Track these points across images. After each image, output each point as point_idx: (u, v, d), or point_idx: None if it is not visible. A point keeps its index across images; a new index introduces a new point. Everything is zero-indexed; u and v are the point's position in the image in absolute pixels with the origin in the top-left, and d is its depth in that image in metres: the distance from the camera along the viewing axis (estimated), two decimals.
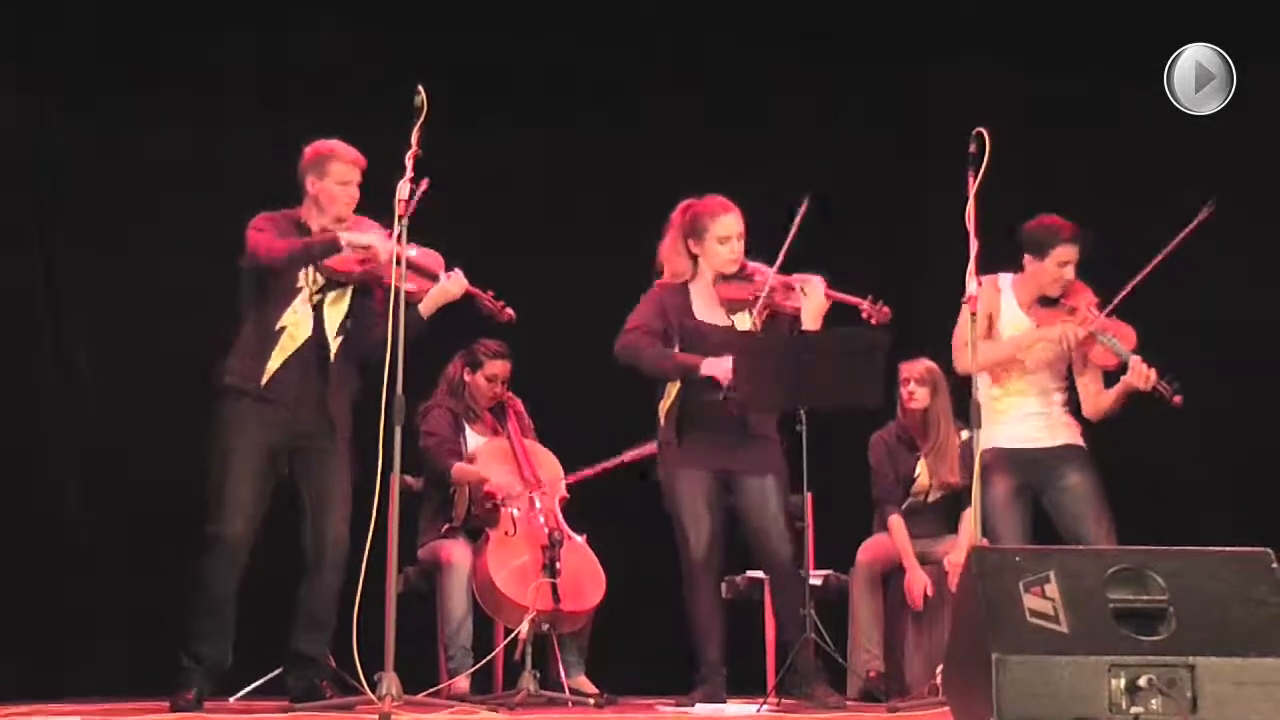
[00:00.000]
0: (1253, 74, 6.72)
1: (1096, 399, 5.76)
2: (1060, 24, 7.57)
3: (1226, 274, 7.12)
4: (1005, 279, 5.76)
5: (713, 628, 5.67)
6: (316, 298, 5.43)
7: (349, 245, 5.34)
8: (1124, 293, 5.58)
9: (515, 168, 7.57)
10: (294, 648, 5.44)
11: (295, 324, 5.39)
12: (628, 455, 6.63)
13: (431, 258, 5.44)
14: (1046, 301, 5.71)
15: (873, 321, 5.65)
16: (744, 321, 5.77)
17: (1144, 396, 5.59)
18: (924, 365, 6.63)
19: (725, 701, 5.62)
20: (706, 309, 5.78)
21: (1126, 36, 7.40)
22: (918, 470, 6.67)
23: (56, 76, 7.04)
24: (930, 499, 6.67)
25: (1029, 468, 5.65)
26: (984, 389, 5.63)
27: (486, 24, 7.53)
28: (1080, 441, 5.74)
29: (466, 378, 6.57)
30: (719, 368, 5.59)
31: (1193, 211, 5.54)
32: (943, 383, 6.62)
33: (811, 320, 5.68)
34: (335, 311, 5.45)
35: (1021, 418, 5.72)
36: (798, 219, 5.62)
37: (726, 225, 5.74)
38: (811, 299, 5.67)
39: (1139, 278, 5.55)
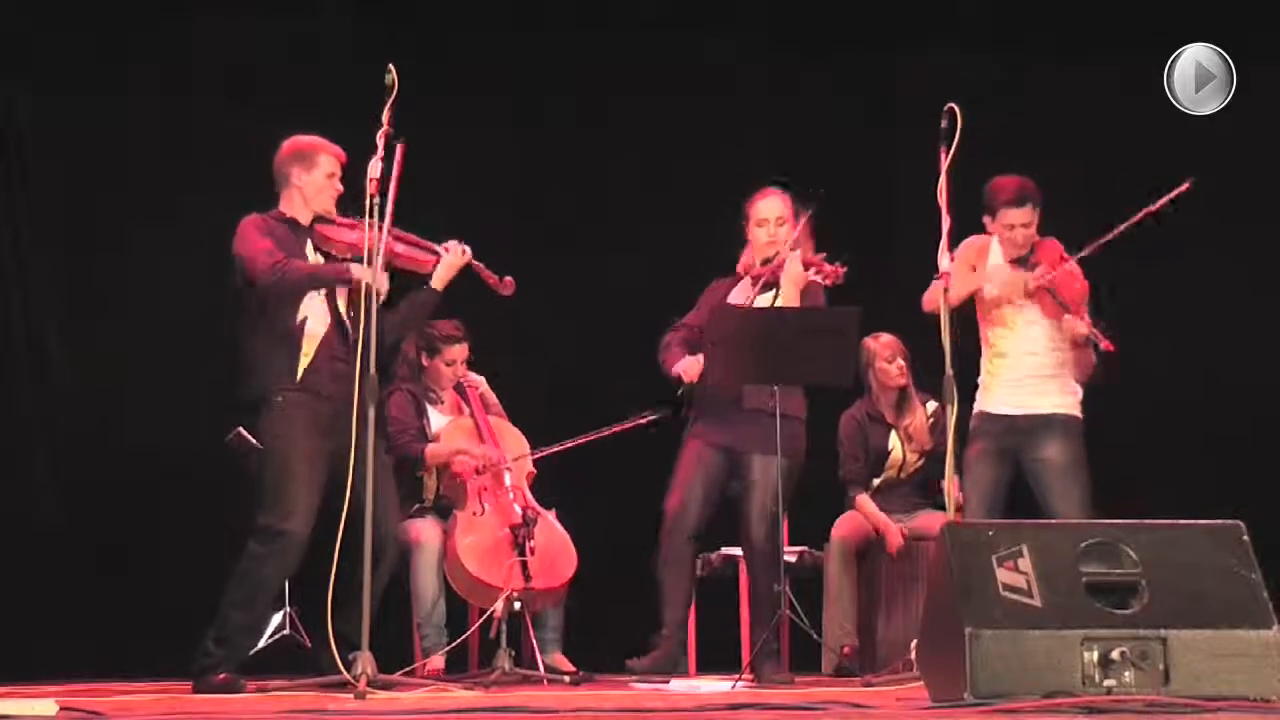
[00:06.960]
0: (1252, 74, 6.72)
1: (1072, 363, 5.74)
2: (1060, 23, 7.60)
3: (1226, 272, 7.18)
4: (996, 240, 5.75)
5: (677, 592, 5.67)
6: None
7: (357, 278, 5.32)
8: (1088, 249, 5.54)
9: (505, 159, 7.56)
10: (338, 630, 5.26)
11: (313, 314, 5.39)
12: (617, 427, 6.59)
13: (417, 240, 5.51)
14: (1019, 263, 5.70)
15: (826, 282, 5.70)
16: (766, 300, 5.84)
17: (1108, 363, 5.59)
18: (893, 340, 6.66)
19: (678, 666, 5.64)
20: (741, 292, 5.88)
21: (1125, 36, 7.42)
22: (890, 444, 6.69)
23: (25, 71, 7.02)
24: (904, 474, 6.68)
25: (1006, 434, 5.64)
26: (983, 356, 5.68)
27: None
28: (1071, 410, 5.69)
29: (424, 362, 6.50)
30: (684, 365, 5.77)
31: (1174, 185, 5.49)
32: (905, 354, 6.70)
33: (790, 287, 5.72)
34: (342, 294, 5.46)
35: (1010, 383, 5.71)
36: (802, 221, 5.78)
37: (762, 208, 5.86)
38: (790, 267, 5.70)
39: (1108, 236, 5.48)
